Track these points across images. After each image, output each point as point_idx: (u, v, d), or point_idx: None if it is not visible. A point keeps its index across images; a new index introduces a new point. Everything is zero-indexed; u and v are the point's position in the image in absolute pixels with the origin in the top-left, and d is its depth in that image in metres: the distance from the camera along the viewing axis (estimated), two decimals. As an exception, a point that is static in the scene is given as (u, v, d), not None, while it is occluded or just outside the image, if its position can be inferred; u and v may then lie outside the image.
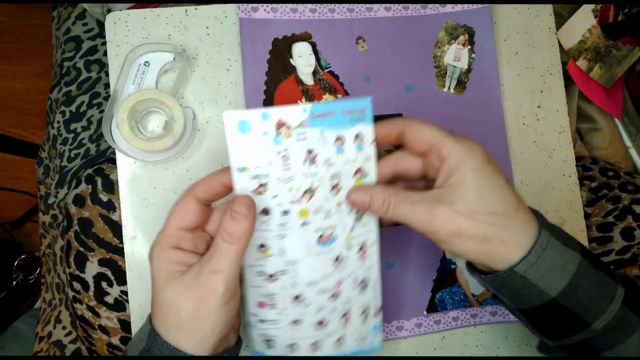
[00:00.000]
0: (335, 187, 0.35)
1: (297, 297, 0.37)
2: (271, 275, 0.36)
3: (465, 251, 0.33)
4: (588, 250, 0.35)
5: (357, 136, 0.35)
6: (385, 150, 0.47)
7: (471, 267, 0.37)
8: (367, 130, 0.35)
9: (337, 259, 0.37)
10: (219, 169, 0.35)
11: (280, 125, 0.33)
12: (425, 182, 0.38)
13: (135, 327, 0.45)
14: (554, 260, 0.33)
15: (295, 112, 0.33)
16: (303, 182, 0.34)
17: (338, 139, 0.34)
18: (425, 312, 0.49)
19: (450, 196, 0.33)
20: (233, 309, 0.34)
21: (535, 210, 0.35)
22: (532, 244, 0.33)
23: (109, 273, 0.48)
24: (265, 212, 0.35)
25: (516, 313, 0.37)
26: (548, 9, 0.53)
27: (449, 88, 0.50)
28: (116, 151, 0.45)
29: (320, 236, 0.36)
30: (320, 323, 0.38)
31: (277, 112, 0.33)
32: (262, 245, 0.35)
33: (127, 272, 0.45)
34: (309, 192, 0.35)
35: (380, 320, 0.40)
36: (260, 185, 0.34)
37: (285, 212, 0.35)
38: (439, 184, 0.34)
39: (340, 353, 0.40)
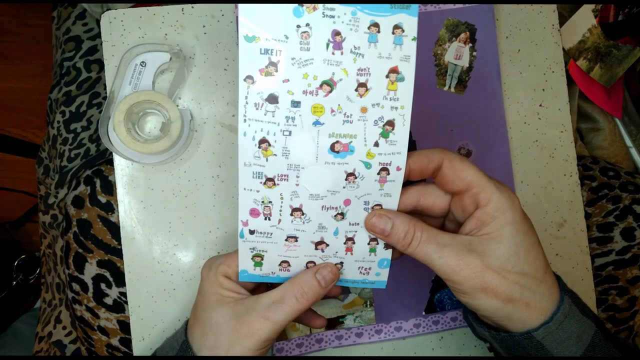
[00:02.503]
0: (361, 86, 0.30)
1: (296, 210, 0.32)
2: (269, 179, 0.31)
3: (486, 308, 0.31)
4: (600, 320, 0.34)
5: (396, 27, 0.29)
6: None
7: (475, 317, 0.35)
8: (410, 22, 0.29)
9: (350, 174, 0.32)
10: None
11: None
12: (443, 221, 0.36)
13: (134, 328, 0.45)
14: (572, 329, 0.31)
15: None
16: (323, 70, 0.29)
17: (373, 25, 0.29)
18: (423, 313, 0.49)
19: (483, 247, 0.31)
20: (265, 352, 0.34)
21: (554, 272, 0.33)
22: (554, 311, 0.31)
23: (107, 274, 0.48)
24: (273, 99, 0.30)
25: None
26: (551, 5, 0.52)
27: (449, 87, 0.50)
28: (113, 153, 0.45)
29: (335, 143, 0.31)
30: (319, 243, 0.34)
31: None
32: (263, 141, 0.30)
33: (125, 273, 0.45)
34: (328, 84, 0.30)
35: (389, 255, 0.35)
36: (270, 64, 0.29)
37: (296, 104, 0.30)
38: (469, 230, 0.32)
39: (338, 281, 0.36)
